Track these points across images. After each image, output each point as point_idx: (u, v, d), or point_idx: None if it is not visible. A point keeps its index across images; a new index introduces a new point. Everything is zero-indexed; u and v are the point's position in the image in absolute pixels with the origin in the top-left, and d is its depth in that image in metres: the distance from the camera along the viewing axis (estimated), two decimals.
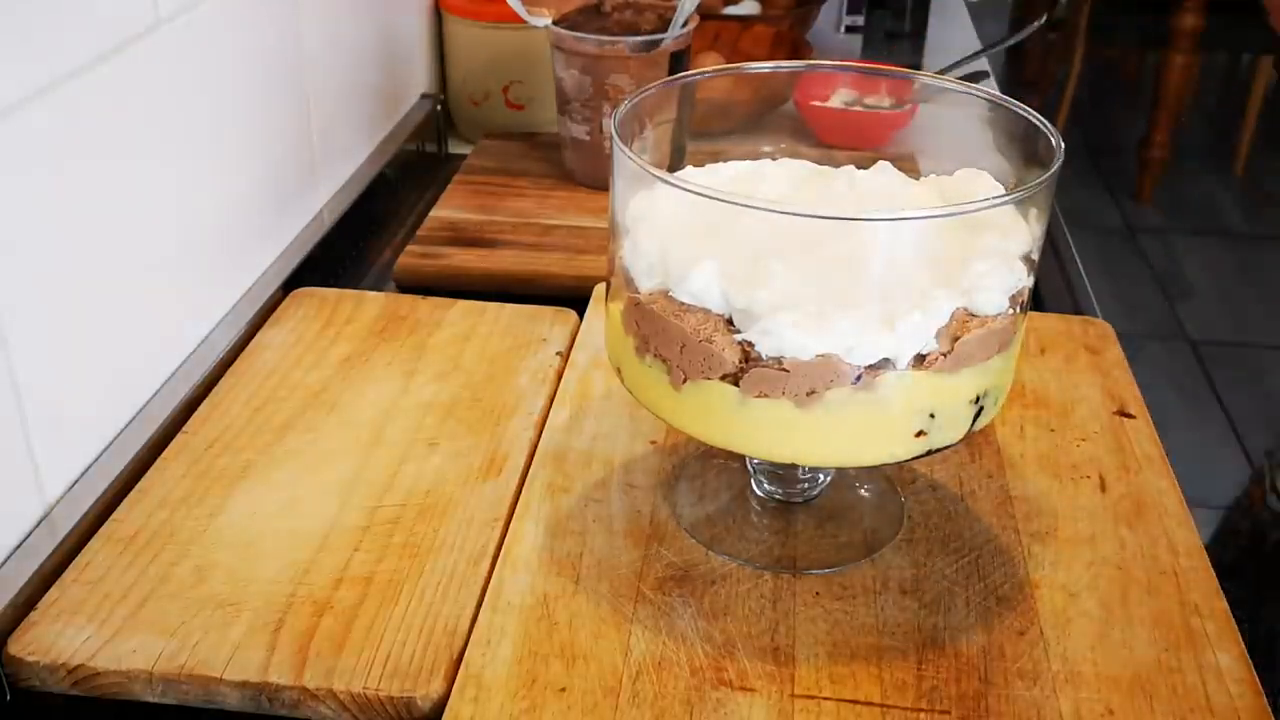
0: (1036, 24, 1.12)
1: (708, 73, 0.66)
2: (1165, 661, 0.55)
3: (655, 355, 0.55)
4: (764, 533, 0.62)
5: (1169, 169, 3.30)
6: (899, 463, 0.55)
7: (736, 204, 0.51)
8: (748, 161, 0.63)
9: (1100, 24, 3.31)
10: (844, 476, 0.66)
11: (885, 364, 0.51)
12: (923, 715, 0.52)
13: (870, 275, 0.52)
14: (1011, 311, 0.54)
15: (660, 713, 0.52)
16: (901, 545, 0.62)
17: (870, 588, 0.59)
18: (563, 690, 0.53)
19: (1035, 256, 0.55)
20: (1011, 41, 1.19)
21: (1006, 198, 0.55)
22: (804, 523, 0.63)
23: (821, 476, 0.64)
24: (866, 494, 0.66)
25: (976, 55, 1.20)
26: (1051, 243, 0.98)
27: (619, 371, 0.59)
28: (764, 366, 0.52)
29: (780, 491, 0.64)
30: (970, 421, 0.55)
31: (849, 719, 0.52)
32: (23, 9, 0.57)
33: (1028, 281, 0.55)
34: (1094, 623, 0.57)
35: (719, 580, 0.59)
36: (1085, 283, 0.92)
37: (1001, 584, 0.59)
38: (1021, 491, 0.66)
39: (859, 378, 0.51)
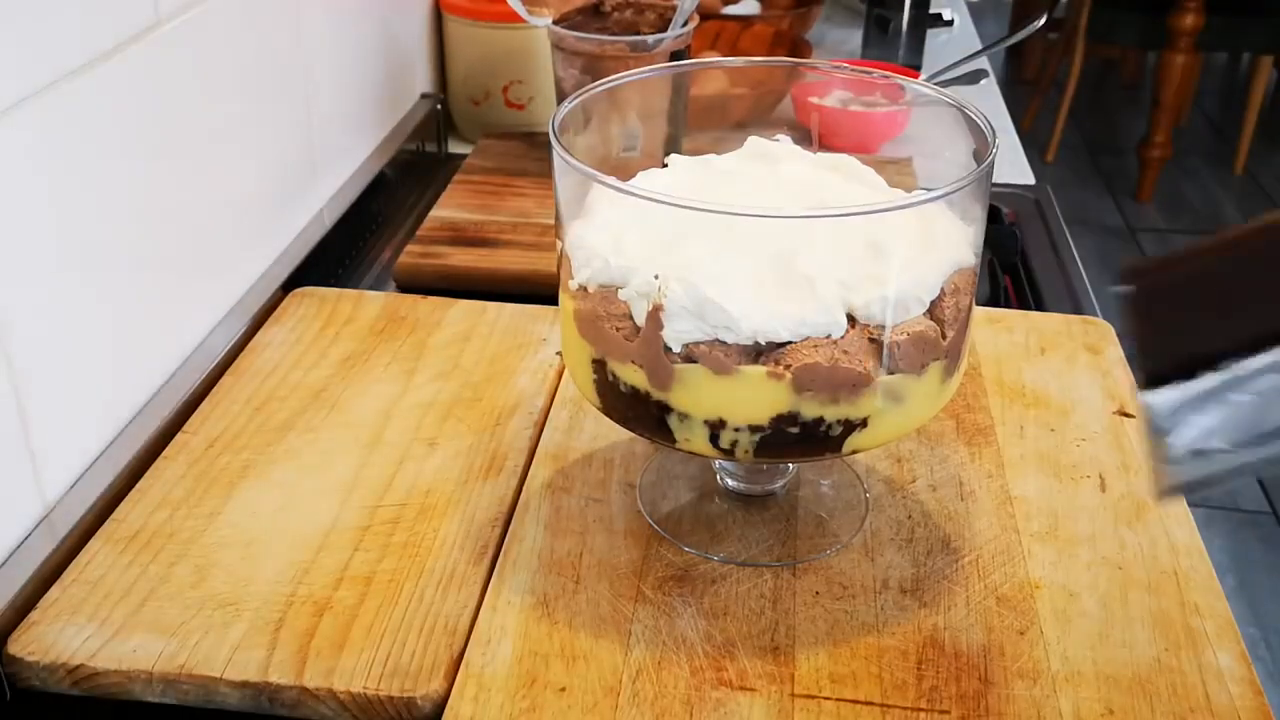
0: (1036, 24, 1.12)
1: (644, 72, 0.66)
2: (1165, 661, 0.55)
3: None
4: (731, 526, 0.63)
5: (1169, 169, 3.30)
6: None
7: (639, 196, 0.53)
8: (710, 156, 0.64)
9: (1100, 24, 3.31)
10: (806, 472, 0.66)
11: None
12: (923, 715, 0.52)
13: (760, 264, 0.53)
14: (915, 329, 0.53)
15: (660, 713, 0.52)
16: (902, 545, 0.62)
17: (870, 587, 0.59)
18: (563, 690, 0.53)
19: (969, 261, 0.55)
20: (1011, 41, 1.19)
21: (901, 203, 0.54)
22: (770, 516, 0.63)
23: (785, 470, 0.65)
24: (828, 489, 0.66)
25: (976, 55, 1.20)
26: (1052, 242, 0.98)
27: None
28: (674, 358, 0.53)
29: (745, 486, 0.65)
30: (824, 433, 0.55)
31: (849, 719, 0.52)
32: (23, 9, 0.57)
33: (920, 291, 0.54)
34: (1094, 623, 0.57)
35: (719, 580, 0.59)
36: (1085, 283, 0.92)
37: (1001, 584, 0.59)
38: (1021, 491, 0.66)
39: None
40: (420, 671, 0.54)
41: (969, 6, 1.74)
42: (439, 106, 1.17)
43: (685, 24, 0.97)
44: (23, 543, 0.60)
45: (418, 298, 0.83)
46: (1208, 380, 0.29)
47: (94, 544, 0.61)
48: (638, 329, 0.54)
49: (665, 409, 0.55)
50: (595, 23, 1.01)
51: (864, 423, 0.54)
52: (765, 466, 0.64)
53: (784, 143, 0.63)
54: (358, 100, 1.02)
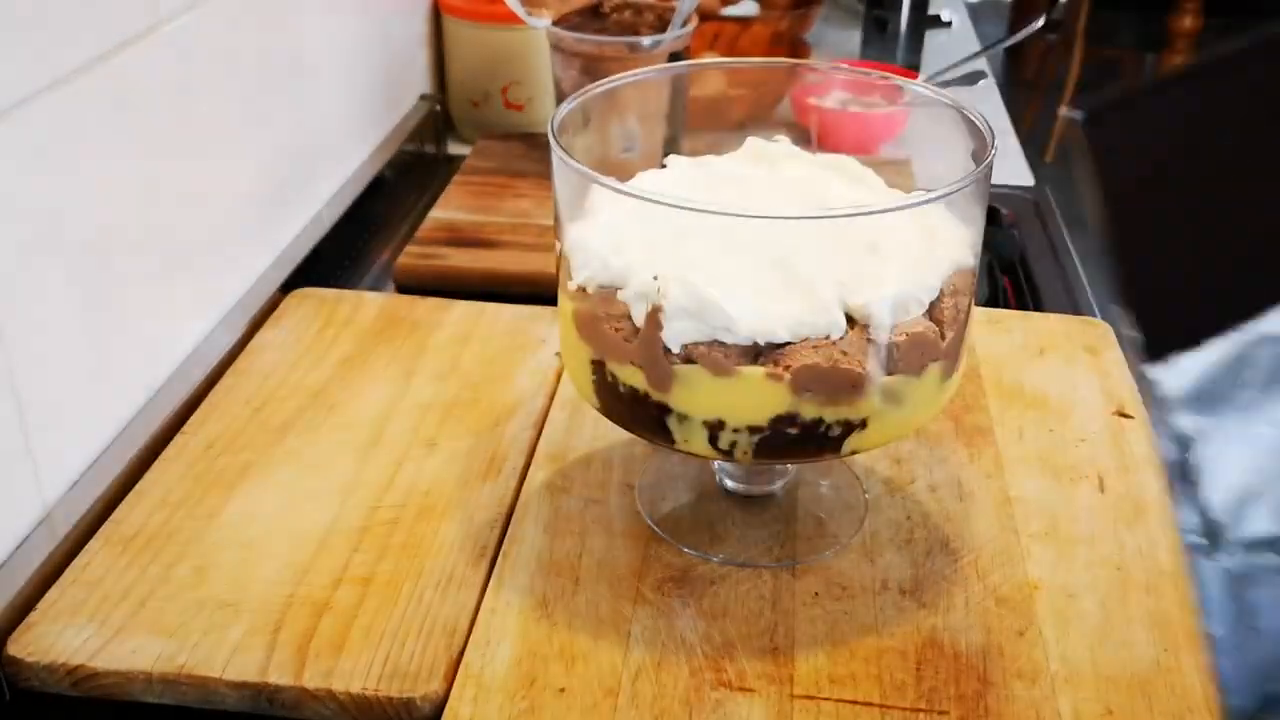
0: (1035, 25, 1.12)
1: (643, 73, 0.66)
2: (1164, 662, 0.55)
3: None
4: (730, 527, 0.63)
5: None
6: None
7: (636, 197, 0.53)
8: (710, 156, 0.64)
9: (1098, 25, 3.31)
10: (805, 473, 0.66)
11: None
12: (922, 715, 0.52)
13: (758, 266, 0.53)
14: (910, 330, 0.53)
15: (659, 713, 0.52)
16: (901, 545, 0.62)
17: (870, 588, 0.59)
18: (562, 691, 0.53)
19: (968, 262, 0.56)
20: (1010, 42, 1.19)
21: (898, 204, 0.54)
22: (769, 517, 0.63)
23: (784, 470, 0.65)
24: (827, 489, 0.66)
25: (975, 55, 1.20)
26: (1050, 244, 0.98)
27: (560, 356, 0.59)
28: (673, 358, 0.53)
29: (743, 487, 0.65)
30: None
31: (848, 719, 0.52)
32: (22, 8, 0.57)
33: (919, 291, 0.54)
34: (1093, 623, 0.57)
35: (718, 580, 0.59)
36: (1084, 284, 0.92)
37: (1001, 584, 0.59)
38: (1020, 492, 0.66)
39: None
40: (419, 672, 0.54)
41: (967, 7, 1.74)
42: (438, 107, 1.17)
43: (684, 25, 0.97)
44: (23, 543, 0.60)
45: (417, 299, 0.83)
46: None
47: (93, 545, 0.61)
48: (637, 330, 0.54)
49: (664, 410, 0.55)
50: (594, 24, 1.01)
51: (863, 424, 0.54)
52: (764, 468, 0.64)
53: (783, 144, 0.63)
54: (357, 101, 1.02)
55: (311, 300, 0.83)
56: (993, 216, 1.01)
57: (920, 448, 0.69)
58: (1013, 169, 1.13)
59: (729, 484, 0.65)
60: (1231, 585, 0.34)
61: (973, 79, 1.20)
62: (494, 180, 1.03)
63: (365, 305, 0.82)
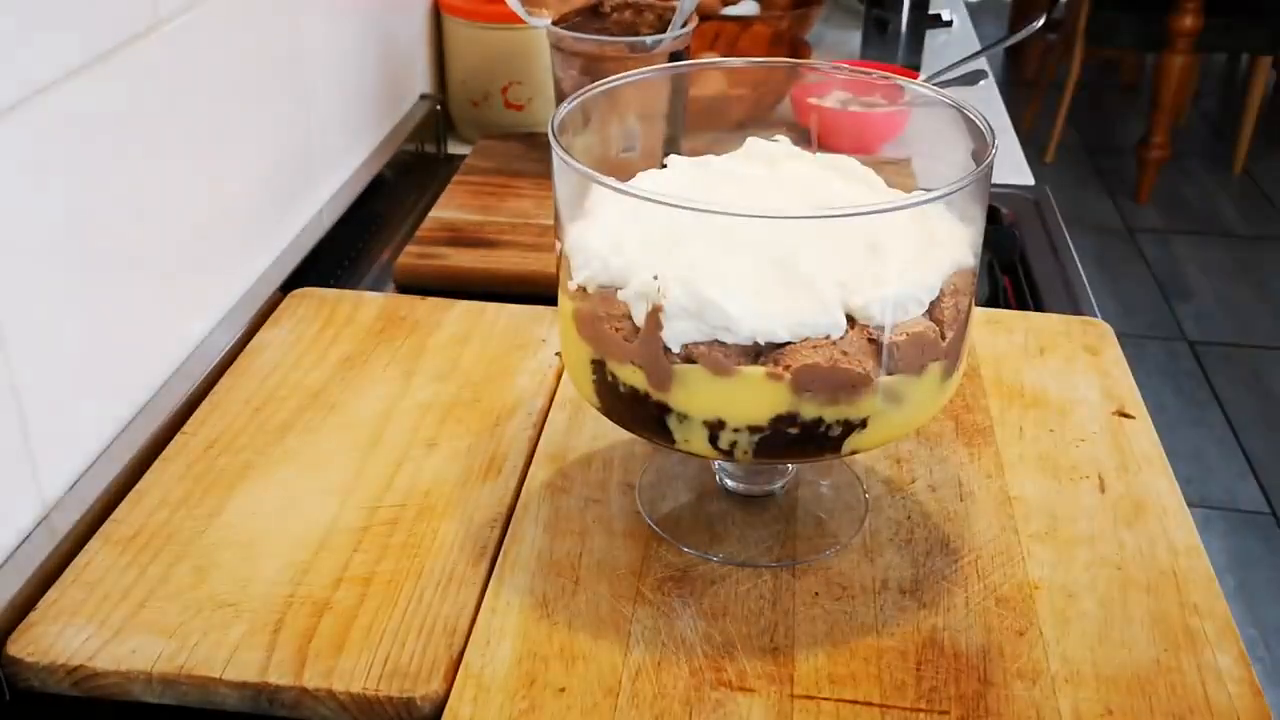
0: (1035, 25, 1.12)
1: (643, 73, 0.66)
2: (1164, 662, 0.55)
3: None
4: (730, 527, 0.63)
5: (1168, 169, 3.30)
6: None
7: (633, 195, 0.53)
8: (711, 155, 0.64)
9: (1099, 25, 3.31)
10: (805, 473, 0.66)
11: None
12: (922, 715, 0.52)
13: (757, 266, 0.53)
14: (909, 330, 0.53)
15: (659, 713, 0.52)
16: (901, 545, 0.62)
17: (870, 588, 0.59)
18: (562, 690, 0.53)
19: (968, 262, 0.55)
20: (1010, 41, 1.19)
21: (891, 205, 0.54)
22: (769, 517, 0.63)
23: (784, 470, 0.65)
24: (827, 489, 0.66)
25: (975, 55, 1.20)
26: (1051, 243, 0.98)
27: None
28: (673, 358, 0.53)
29: (743, 487, 0.65)
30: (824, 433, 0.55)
31: (848, 719, 0.52)
32: (22, 8, 0.57)
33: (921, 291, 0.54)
34: (1094, 623, 0.57)
35: (718, 580, 0.59)
36: (1084, 283, 0.92)
37: (1001, 584, 0.59)
38: (1021, 492, 0.66)
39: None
40: (419, 672, 0.54)
41: (968, 7, 1.74)
42: (438, 107, 1.17)
43: (684, 25, 0.97)
44: (22, 543, 0.60)
45: (417, 299, 0.83)
46: None
47: (93, 544, 0.61)
48: (637, 329, 0.54)
49: (664, 410, 0.55)
50: (594, 23, 1.01)
51: (863, 423, 0.54)
52: (764, 467, 0.64)
53: (783, 143, 0.63)
54: (357, 101, 1.02)
55: (311, 300, 0.83)
56: (993, 216, 1.01)
57: (920, 447, 0.69)
58: (1013, 168, 1.13)
59: (729, 484, 0.65)
60: None
61: (973, 79, 1.20)
62: (494, 180, 1.03)
63: (365, 305, 0.82)
